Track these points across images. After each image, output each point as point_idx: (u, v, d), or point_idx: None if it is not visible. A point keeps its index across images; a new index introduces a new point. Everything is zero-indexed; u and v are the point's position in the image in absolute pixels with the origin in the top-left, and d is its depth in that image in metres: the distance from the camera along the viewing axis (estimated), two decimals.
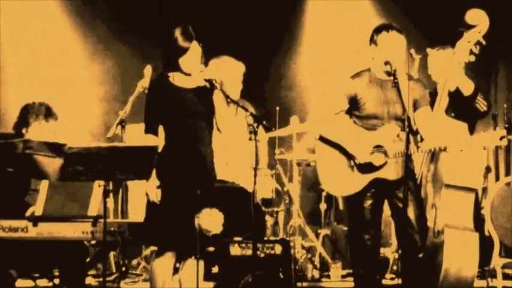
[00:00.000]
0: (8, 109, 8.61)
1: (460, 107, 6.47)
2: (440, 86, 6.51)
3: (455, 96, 6.45)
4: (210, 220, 5.62)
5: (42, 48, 9.21)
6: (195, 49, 5.67)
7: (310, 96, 9.60)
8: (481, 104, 6.51)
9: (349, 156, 6.12)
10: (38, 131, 6.21)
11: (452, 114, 6.51)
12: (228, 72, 7.09)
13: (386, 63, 6.05)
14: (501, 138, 6.05)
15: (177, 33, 5.64)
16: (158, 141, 5.62)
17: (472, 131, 6.48)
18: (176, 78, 5.72)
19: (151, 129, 5.67)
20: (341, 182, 6.16)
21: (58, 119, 6.32)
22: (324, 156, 6.22)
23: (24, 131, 6.24)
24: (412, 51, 6.87)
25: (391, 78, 6.03)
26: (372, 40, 6.16)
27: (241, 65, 7.22)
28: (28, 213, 6.02)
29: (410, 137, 5.86)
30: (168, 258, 5.71)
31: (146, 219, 5.70)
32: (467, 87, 6.47)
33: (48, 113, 6.27)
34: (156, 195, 5.57)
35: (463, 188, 6.35)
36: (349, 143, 6.10)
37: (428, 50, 6.76)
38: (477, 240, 6.36)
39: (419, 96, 6.15)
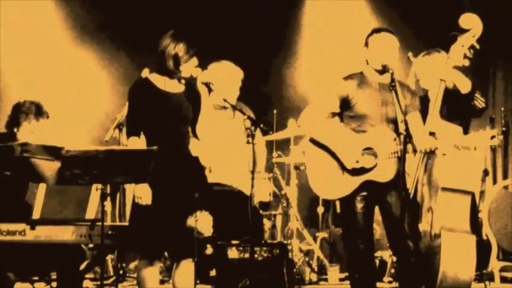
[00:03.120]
0: (8, 109, 8.59)
1: (457, 106, 6.47)
2: (432, 91, 6.53)
3: (452, 95, 6.46)
4: (202, 223, 5.61)
5: (41, 50, 9.21)
6: (194, 60, 5.66)
7: (308, 99, 9.60)
8: (479, 101, 6.51)
9: (339, 160, 6.14)
10: (28, 130, 6.20)
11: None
12: (227, 76, 7.10)
13: (384, 66, 6.06)
14: (492, 138, 6.06)
15: (181, 47, 5.61)
16: (142, 143, 5.59)
17: (466, 133, 6.48)
18: (160, 83, 5.69)
19: (134, 133, 5.62)
20: (331, 184, 6.15)
21: (49, 117, 6.30)
22: (314, 158, 6.21)
23: (15, 130, 6.24)
24: (410, 54, 6.87)
25: (385, 81, 6.05)
26: (365, 43, 6.20)
27: (240, 70, 7.23)
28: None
29: (407, 139, 5.89)
30: (157, 264, 5.70)
31: (134, 225, 5.66)
32: (465, 85, 6.47)
33: (39, 112, 6.25)
34: (148, 198, 5.52)
35: (459, 190, 6.36)
36: (339, 147, 6.11)
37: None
38: (474, 243, 6.36)
39: (409, 102, 6.16)
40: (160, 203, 5.52)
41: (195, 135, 5.74)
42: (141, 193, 5.51)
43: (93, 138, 8.95)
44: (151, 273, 5.65)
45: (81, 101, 9.29)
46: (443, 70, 6.40)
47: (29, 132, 6.17)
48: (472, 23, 6.37)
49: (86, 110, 9.31)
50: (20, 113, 6.22)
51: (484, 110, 6.61)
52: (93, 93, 9.39)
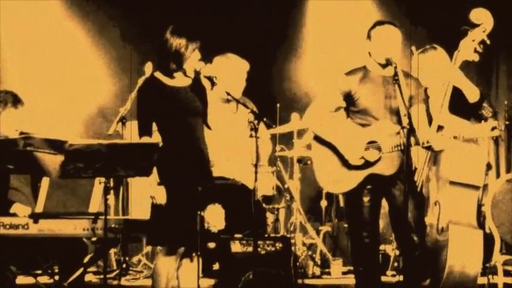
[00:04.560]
0: None
1: (463, 111, 6.47)
2: (431, 89, 6.53)
3: (458, 100, 6.46)
4: (215, 216, 5.63)
5: (42, 47, 9.19)
6: (197, 53, 5.67)
7: (311, 93, 9.59)
8: (487, 111, 6.50)
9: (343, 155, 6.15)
10: (9, 119, 6.20)
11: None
12: (232, 69, 7.08)
13: (387, 60, 6.06)
14: (492, 129, 6.06)
15: (182, 44, 5.61)
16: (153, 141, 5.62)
17: None
18: (167, 78, 5.70)
19: (146, 132, 5.65)
20: (337, 178, 6.17)
21: (24, 105, 6.31)
22: (320, 153, 6.23)
23: None
24: (413, 48, 6.87)
25: (388, 74, 6.05)
26: (368, 36, 6.20)
27: (245, 62, 7.20)
28: (12, 210, 6.03)
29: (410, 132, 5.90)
30: (174, 257, 5.71)
31: (153, 220, 5.69)
32: (473, 94, 6.46)
33: (16, 100, 6.27)
34: (162, 197, 5.55)
35: (468, 185, 6.37)
36: (342, 143, 6.11)
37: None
38: (481, 238, 6.38)
39: (415, 93, 6.16)
40: (173, 198, 5.55)
41: (207, 126, 5.76)
42: (155, 193, 5.54)
43: (96, 132, 8.94)
44: (170, 265, 5.68)
45: (83, 95, 9.29)
46: (451, 69, 6.40)
47: (11, 121, 6.18)
48: (483, 18, 6.38)
49: (89, 103, 9.31)
50: None
51: (491, 118, 6.61)
52: (95, 88, 9.38)
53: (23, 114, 6.27)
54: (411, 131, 5.90)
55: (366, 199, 6.12)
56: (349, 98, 6.15)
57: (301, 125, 8.04)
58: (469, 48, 6.38)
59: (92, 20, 9.39)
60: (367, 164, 6.07)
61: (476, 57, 6.40)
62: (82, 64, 9.35)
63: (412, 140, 5.97)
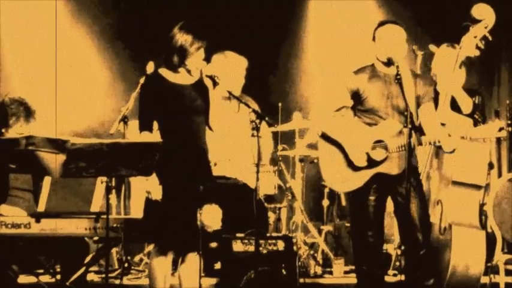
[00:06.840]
0: None
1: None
2: (440, 85, 6.53)
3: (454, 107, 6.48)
4: (210, 216, 5.62)
5: (43, 46, 9.18)
6: (201, 53, 5.68)
7: (314, 92, 9.59)
8: (477, 122, 6.52)
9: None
10: (18, 132, 6.16)
11: None
12: (231, 66, 7.09)
13: (389, 59, 6.06)
14: (500, 130, 6.06)
15: (189, 35, 5.62)
16: (154, 138, 5.61)
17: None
18: (171, 76, 5.71)
19: (146, 127, 5.65)
20: (343, 177, 6.17)
21: (37, 118, 6.27)
22: (326, 152, 6.23)
23: (3, 130, 6.21)
24: (415, 47, 6.87)
25: (394, 73, 6.05)
26: (373, 38, 6.21)
27: (244, 59, 7.22)
28: None
29: (412, 132, 5.90)
30: (168, 255, 5.71)
31: (146, 217, 5.68)
32: (467, 106, 6.48)
33: (28, 113, 6.22)
34: (158, 193, 5.55)
35: (471, 185, 6.37)
36: (349, 143, 6.11)
37: (431, 46, 6.75)
38: (484, 238, 6.38)
39: (422, 92, 6.17)
40: (171, 197, 5.54)
41: (209, 127, 5.76)
42: (150, 188, 5.53)
43: (98, 132, 8.94)
44: (163, 264, 5.66)
45: (85, 95, 9.29)
46: (452, 77, 6.41)
47: (20, 134, 6.15)
48: (484, 14, 6.38)
49: (90, 103, 9.31)
50: (7, 115, 6.18)
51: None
52: (97, 87, 9.38)
53: (33, 129, 6.23)
54: (413, 130, 5.90)
55: (371, 198, 6.13)
56: (357, 97, 6.15)
57: (304, 124, 8.04)
58: (470, 44, 6.39)
59: (92, 20, 9.39)
60: (374, 163, 6.08)
61: (477, 53, 6.40)
62: (82, 64, 9.35)
63: (415, 139, 5.97)
